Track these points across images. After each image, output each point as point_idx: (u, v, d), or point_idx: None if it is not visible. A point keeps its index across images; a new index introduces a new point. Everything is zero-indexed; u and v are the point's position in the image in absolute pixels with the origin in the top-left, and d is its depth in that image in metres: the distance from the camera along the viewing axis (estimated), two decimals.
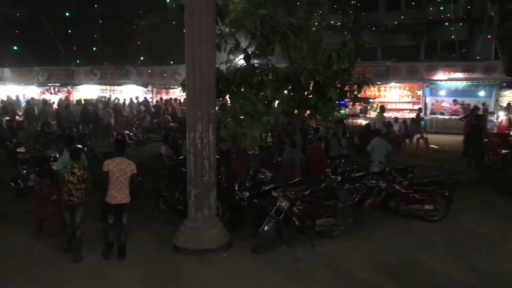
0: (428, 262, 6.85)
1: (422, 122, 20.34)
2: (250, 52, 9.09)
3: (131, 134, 18.49)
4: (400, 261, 6.93)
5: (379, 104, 21.29)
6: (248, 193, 8.15)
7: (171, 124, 21.20)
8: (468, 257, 7.04)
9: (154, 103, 26.47)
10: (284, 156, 10.62)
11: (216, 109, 7.93)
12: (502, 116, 20.04)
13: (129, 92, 27.97)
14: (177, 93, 26.47)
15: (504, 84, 20.69)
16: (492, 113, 20.24)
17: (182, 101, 24.62)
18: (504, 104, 21.19)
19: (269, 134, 13.45)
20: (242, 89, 8.63)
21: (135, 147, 17.75)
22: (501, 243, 7.35)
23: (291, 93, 8.82)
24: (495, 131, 17.64)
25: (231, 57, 9.15)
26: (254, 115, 8.10)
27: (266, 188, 8.24)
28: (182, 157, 9.66)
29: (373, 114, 22.69)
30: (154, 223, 8.61)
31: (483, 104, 20.84)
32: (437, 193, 8.82)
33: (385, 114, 22.09)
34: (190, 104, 7.22)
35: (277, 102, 8.94)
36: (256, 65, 8.97)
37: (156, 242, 7.64)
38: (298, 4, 9.96)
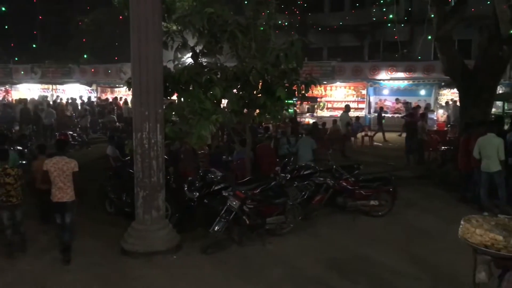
0: (374, 256, 7.05)
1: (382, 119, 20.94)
2: (198, 51, 9.00)
3: (75, 134, 17.83)
4: (348, 256, 7.10)
5: (345, 104, 21.81)
6: (198, 194, 8.06)
7: (117, 124, 20.64)
8: (411, 249, 7.32)
9: (99, 102, 25.67)
10: (234, 155, 10.62)
11: (164, 108, 7.81)
12: (441, 114, 21.04)
13: (72, 91, 26.95)
14: (123, 92, 25.80)
15: (443, 83, 21.72)
16: (432, 111, 21.19)
17: (128, 100, 24.03)
18: (443, 103, 22.29)
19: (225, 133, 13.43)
20: (191, 88, 8.53)
21: (79, 148, 17.13)
22: (441, 236, 7.68)
23: (240, 92, 8.82)
24: (435, 128, 18.48)
25: (179, 55, 9.01)
26: (202, 113, 8.02)
27: (216, 188, 8.19)
28: (129, 158, 9.41)
29: (320, 113, 23.21)
30: (100, 227, 8.33)
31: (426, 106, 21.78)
32: (381, 189, 9.12)
33: (332, 113, 22.72)
34: (137, 103, 7.05)
35: (226, 101, 8.91)
36: (204, 64, 8.90)
37: (103, 246, 7.40)
38: (245, 3, 9.95)
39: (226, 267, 6.70)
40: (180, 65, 8.67)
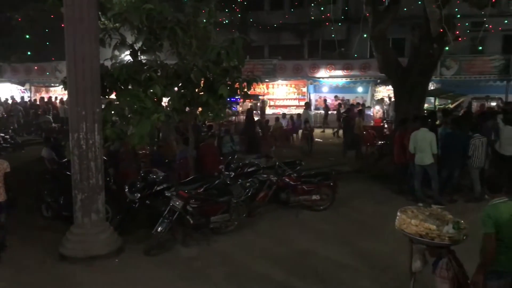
0: (318, 250, 7.21)
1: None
2: (137, 48, 8.78)
3: (7, 136, 16.85)
4: (293, 251, 7.21)
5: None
6: (139, 195, 7.86)
7: (53, 124, 19.73)
8: (352, 242, 7.55)
9: (33, 102, 24.41)
10: (176, 155, 10.47)
11: (102, 107, 7.56)
12: (377, 110, 21.83)
13: (3, 91, 25.44)
14: (59, 92, 24.70)
15: (379, 81, 22.58)
16: (369, 107, 21.95)
17: (64, 99, 23.05)
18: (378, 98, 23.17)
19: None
20: (130, 86, 8.31)
21: (12, 151, 16.22)
22: (380, 227, 7.98)
23: (182, 90, 8.70)
24: (371, 124, 19.16)
25: (117, 52, 8.75)
26: (142, 112, 7.84)
27: (158, 188, 8.03)
28: (66, 160, 9.03)
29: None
30: (36, 232, 7.95)
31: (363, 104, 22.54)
32: (323, 184, 9.34)
33: (274, 111, 22.98)
34: (73, 102, 6.77)
35: (167, 99, 8.76)
36: (144, 61, 8.69)
37: (40, 252, 7.07)
38: (185, 0, 9.82)
39: (170, 268, 6.59)
40: (118, 63, 8.41)
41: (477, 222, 4.49)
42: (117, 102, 8.42)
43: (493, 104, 20.64)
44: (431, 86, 18.90)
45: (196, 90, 8.71)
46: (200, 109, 9.06)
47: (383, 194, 10.51)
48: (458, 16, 18.50)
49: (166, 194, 7.53)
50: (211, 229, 7.76)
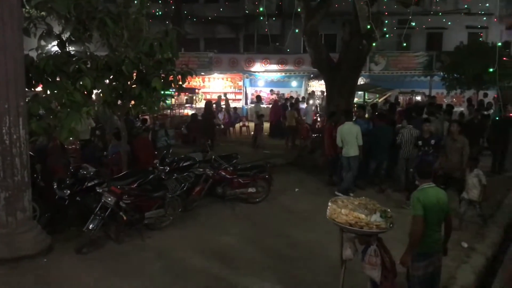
0: (254, 241, 7.33)
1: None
2: (64, 38, 8.38)
3: None
4: (228, 243, 7.27)
5: (256, 94, 22.06)
6: (69, 191, 7.56)
7: None
8: (287, 232, 7.74)
9: None
10: (109, 149, 10.16)
11: (28, 100, 7.17)
12: (310, 104, 22.32)
13: None
14: None
15: (312, 75, 23.12)
16: (303, 101, 22.41)
17: None
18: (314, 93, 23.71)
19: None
20: (57, 79, 7.92)
21: None
22: (312, 217, 8.23)
23: (113, 83, 8.43)
24: (305, 117, 19.60)
25: (43, 43, 8.30)
26: (71, 106, 7.52)
27: (89, 184, 7.75)
28: None
29: (199, 104, 23.19)
30: None
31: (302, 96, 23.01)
32: (258, 176, 9.46)
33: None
34: None
35: (98, 92, 8.46)
36: (72, 53, 8.32)
37: None
38: None
39: (103, 265, 6.42)
40: (44, 54, 7.99)
41: (403, 211, 4.78)
42: (44, 95, 8.01)
43: (418, 98, 21.88)
44: (361, 81, 19.65)
45: (128, 82, 8.47)
46: (132, 102, 8.84)
47: (316, 185, 10.84)
48: (386, 13, 19.36)
49: (98, 190, 7.30)
50: (146, 224, 7.63)
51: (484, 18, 23.98)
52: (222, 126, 18.57)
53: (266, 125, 17.88)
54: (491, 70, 14.27)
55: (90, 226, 6.86)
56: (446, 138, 9.22)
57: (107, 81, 8.38)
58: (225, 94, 22.60)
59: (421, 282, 4.78)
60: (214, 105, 18.29)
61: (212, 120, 16.27)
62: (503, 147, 12.18)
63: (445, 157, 8.71)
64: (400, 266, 4.77)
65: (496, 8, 22.40)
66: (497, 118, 13.23)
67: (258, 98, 18.75)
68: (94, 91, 8.39)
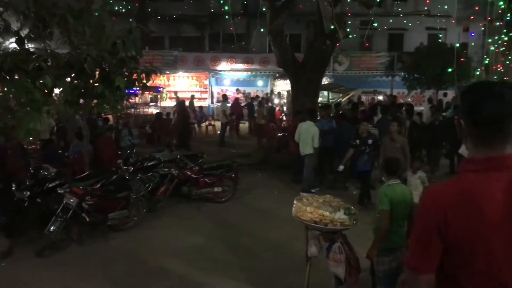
0: (220, 241, 7.32)
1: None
2: (23, 35, 8.11)
3: None
4: (194, 244, 7.23)
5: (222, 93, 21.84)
6: (29, 193, 7.33)
7: None
8: (253, 231, 7.77)
9: None
10: (70, 149, 9.92)
11: None
12: (276, 103, 22.47)
13: None
14: None
15: (277, 75, 23.26)
16: (268, 100, 22.53)
17: None
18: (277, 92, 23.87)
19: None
20: (16, 77, 7.66)
21: None
22: (278, 215, 8.28)
23: (75, 81, 8.22)
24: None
25: (0, 39, 8.03)
26: (31, 105, 7.29)
27: (50, 185, 7.55)
28: None
29: (163, 103, 22.95)
30: None
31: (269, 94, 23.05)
32: (224, 176, 9.46)
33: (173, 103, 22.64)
34: None
35: (59, 90, 8.23)
36: (32, 50, 8.06)
37: None
38: None
39: (65, 268, 6.27)
40: (1, 51, 7.71)
41: (366, 208, 4.88)
42: (1, 93, 7.73)
43: (380, 97, 22.39)
44: (325, 81, 19.93)
45: (91, 81, 8.28)
46: (95, 101, 8.65)
47: (282, 184, 10.92)
48: (349, 14, 19.70)
49: (59, 191, 7.12)
50: (109, 226, 7.50)
51: (443, 20, 24.74)
52: (196, 126, 18.51)
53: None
54: (449, 70, 14.77)
55: (51, 228, 6.69)
56: (385, 138, 8.90)
57: (69, 79, 8.17)
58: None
59: (385, 277, 4.90)
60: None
61: (188, 119, 16.15)
62: (453, 147, 11.42)
63: (383, 157, 8.37)
64: (364, 262, 4.88)
65: (454, 10, 23.17)
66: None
67: (225, 97, 18.71)
68: (55, 90, 8.16)
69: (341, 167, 9.23)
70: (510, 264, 1.71)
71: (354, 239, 5.04)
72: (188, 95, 24.17)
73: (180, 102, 17.27)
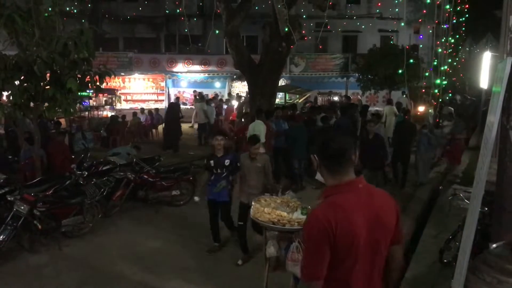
0: (179, 244, 7.25)
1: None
2: None
3: None
4: (151, 248, 7.12)
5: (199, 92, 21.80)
6: None
7: None
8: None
9: None
10: (21, 155, 9.55)
11: None
12: (235, 105, 22.51)
13: None
14: None
15: (235, 76, 23.31)
16: (226, 101, 22.53)
17: None
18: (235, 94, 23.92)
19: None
20: None
21: None
22: (235, 216, 8.28)
23: (24, 84, 7.94)
24: (230, 118, 19.71)
25: None
26: None
27: None
28: None
29: (119, 106, 22.48)
30: None
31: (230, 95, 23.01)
32: (182, 179, 9.37)
33: (132, 105, 22.31)
34: None
35: (7, 93, 7.92)
36: None
37: None
38: None
39: (16, 278, 6.03)
40: None
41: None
42: None
43: (336, 98, 22.86)
44: (282, 82, 20.14)
45: (41, 83, 8.02)
46: (46, 104, 8.37)
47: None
48: (304, 17, 20.02)
49: (9, 198, 6.83)
50: (63, 232, 7.28)
51: (395, 22, 25.57)
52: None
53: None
54: (400, 71, 15.25)
55: (1, 237, 6.42)
56: (242, 156, 6.78)
57: (18, 82, 7.88)
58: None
59: None
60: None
61: (179, 121, 15.90)
62: (405, 153, 10.73)
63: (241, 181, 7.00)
64: None
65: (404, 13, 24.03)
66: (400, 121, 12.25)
67: (201, 97, 18.54)
68: (4, 93, 7.85)
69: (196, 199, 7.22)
70: (364, 258, 2.34)
71: None
72: (142, 98, 23.94)
73: (171, 103, 17.02)
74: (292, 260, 4.86)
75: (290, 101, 19.17)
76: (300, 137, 10.36)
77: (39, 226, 6.83)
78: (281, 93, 19.37)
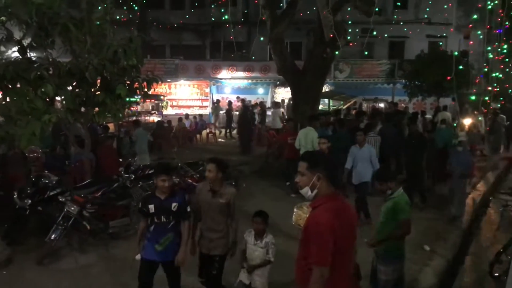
0: None
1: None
2: (25, 44, 8.18)
3: None
4: None
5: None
6: (30, 201, 7.34)
7: None
8: None
9: None
10: (72, 157, 9.95)
11: None
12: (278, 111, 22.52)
13: None
14: None
15: (278, 82, 23.33)
16: (269, 108, 22.61)
17: None
18: (279, 100, 23.93)
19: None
20: (18, 85, 7.72)
21: None
22: (279, 223, 8.23)
23: (76, 90, 8.28)
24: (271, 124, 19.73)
25: (2, 48, 8.10)
26: (32, 113, 7.33)
27: (51, 193, 7.56)
28: None
29: (165, 111, 23.01)
30: None
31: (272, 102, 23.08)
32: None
33: (177, 111, 22.78)
34: None
35: (60, 99, 8.28)
36: (34, 59, 8.13)
37: None
38: None
39: (65, 276, 6.27)
40: (4, 60, 7.78)
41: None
42: (3, 102, 7.78)
43: (381, 105, 22.42)
44: (326, 88, 19.98)
45: (92, 89, 8.34)
46: (96, 109, 8.69)
47: (281, 191, 10.90)
48: (350, 22, 19.80)
49: (60, 199, 7.13)
50: (110, 234, 7.50)
51: (443, 28, 24.85)
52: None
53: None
54: (449, 78, 14.79)
55: (52, 236, 6.70)
56: (201, 191, 5.44)
57: (70, 88, 8.23)
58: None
59: (387, 286, 4.90)
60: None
61: (250, 124, 16.56)
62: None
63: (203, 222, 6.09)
64: (364, 269, 4.87)
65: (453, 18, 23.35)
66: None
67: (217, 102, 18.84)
68: (57, 98, 8.21)
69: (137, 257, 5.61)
70: (349, 251, 3.17)
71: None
72: (187, 103, 24.37)
73: (243, 105, 17.38)
74: None
75: (334, 107, 18.96)
76: (343, 143, 10.19)
77: (88, 227, 7.08)
78: (325, 99, 19.19)
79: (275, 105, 19.23)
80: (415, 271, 6.38)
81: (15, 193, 7.44)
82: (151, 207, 4.89)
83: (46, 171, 8.63)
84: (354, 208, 3.27)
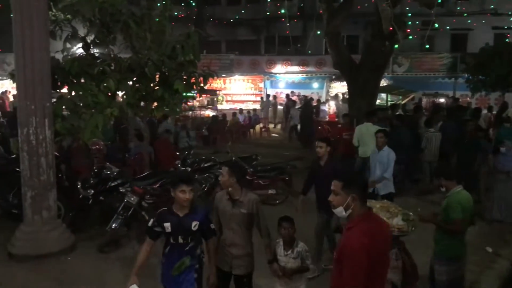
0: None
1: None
2: (89, 41, 8.56)
3: None
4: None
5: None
6: (92, 191, 7.69)
7: (1, 119, 18.88)
8: (308, 235, 7.67)
9: None
10: (131, 150, 10.31)
11: (54, 101, 7.34)
12: (332, 106, 22.25)
13: None
14: (7, 85, 23.58)
15: (333, 77, 22.96)
16: (324, 103, 22.35)
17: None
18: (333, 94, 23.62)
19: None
20: (82, 80, 8.10)
21: None
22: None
23: (136, 85, 8.57)
24: (326, 119, 19.52)
25: (68, 45, 8.51)
26: (95, 107, 7.67)
27: (112, 184, 7.86)
28: (14, 156, 8.70)
29: (220, 106, 23.34)
30: None
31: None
32: (278, 178, 9.45)
33: (232, 106, 23.02)
34: (21, 96, 6.55)
35: (121, 93, 8.61)
36: (96, 55, 8.50)
37: None
38: None
39: (124, 265, 6.49)
40: (70, 56, 8.18)
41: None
42: (69, 96, 8.20)
43: (442, 100, 21.55)
44: (384, 83, 19.44)
45: (151, 84, 8.61)
46: (155, 103, 8.95)
47: None
48: (409, 15, 19.15)
49: (121, 190, 7.41)
50: None
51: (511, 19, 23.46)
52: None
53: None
54: None
55: (113, 225, 6.97)
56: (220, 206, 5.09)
57: (130, 83, 8.53)
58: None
59: (446, 286, 4.73)
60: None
61: (312, 118, 16.71)
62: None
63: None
64: (422, 270, 4.73)
65: None
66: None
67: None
68: (118, 93, 8.53)
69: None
70: (382, 271, 3.15)
71: (412, 246, 4.88)
72: (242, 98, 24.56)
73: (305, 100, 17.50)
74: (390, 267, 4.68)
75: (393, 102, 18.41)
76: (402, 140, 9.86)
77: (147, 217, 7.30)
78: (383, 94, 18.69)
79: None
80: (476, 273, 6.10)
81: (79, 183, 7.82)
82: (167, 225, 4.19)
83: (108, 163, 8.99)
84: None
